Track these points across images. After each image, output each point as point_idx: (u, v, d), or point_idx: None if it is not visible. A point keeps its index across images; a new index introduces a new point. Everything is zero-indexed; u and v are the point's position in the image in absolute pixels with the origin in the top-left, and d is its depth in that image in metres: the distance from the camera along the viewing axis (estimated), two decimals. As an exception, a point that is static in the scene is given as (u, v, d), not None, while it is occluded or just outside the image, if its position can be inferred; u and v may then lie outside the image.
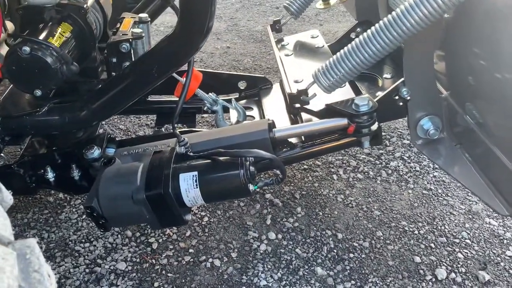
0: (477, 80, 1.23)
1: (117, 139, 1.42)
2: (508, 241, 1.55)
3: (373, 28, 1.23)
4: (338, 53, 1.30)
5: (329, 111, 1.31)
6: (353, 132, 1.25)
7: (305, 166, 1.91)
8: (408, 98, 1.36)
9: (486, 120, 1.23)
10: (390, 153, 1.97)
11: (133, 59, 1.31)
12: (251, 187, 1.13)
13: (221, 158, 1.16)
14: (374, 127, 1.26)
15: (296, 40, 1.85)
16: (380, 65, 1.61)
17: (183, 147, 1.21)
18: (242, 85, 1.76)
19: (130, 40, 1.31)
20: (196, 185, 1.12)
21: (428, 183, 1.81)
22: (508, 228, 1.60)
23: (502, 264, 1.48)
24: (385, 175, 1.86)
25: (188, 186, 1.13)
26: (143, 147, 1.32)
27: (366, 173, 1.87)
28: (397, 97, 1.38)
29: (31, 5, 1.23)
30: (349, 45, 1.28)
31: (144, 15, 1.46)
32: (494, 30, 1.13)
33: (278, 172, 1.20)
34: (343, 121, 1.25)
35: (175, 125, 1.24)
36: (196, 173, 1.13)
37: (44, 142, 1.43)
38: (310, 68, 1.46)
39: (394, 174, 1.86)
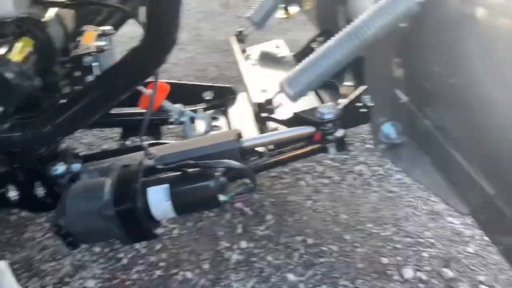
0: (433, 85, 1.28)
1: (82, 153, 1.40)
2: (469, 238, 1.63)
3: (335, 38, 1.27)
4: (303, 62, 1.33)
5: (295, 120, 1.34)
6: (319, 140, 1.28)
7: (274, 174, 1.93)
8: (370, 104, 1.41)
9: (444, 124, 1.29)
10: (354, 158, 2.02)
11: (97, 73, 1.29)
12: (222, 197, 1.14)
13: (190, 170, 1.16)
14: (339, 134, 1.30)
15: (261, 50, 1.88)
16: (340, 72, 1.66)
17: (151, 160, 1.20)
18: (208, 95, 1.77)
19: (94, 53, 1.30)
20: (167, 198, 1.12)
21: (391, 185, 1.87)
22: (468, 226, 1.67)
23: (463, 260, 1.55)
24: (350, 179, 1.91)
25: (158, 199, 1.12)
26: (110, 161, 1.31)
27: (332, 178, 1.91)
28: (359, 104, 1.43)
29: (-11, 19, 1.20)
30: (313, 54, 1.31)
31: (108, 27, 1.45)
32: (448, 36, 1.19)
33: (248, 181, 1.21)
34: (310, 129, 1.28)
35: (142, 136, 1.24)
36: (166, 186, 1.13)
37: (4, 160, 1.38)
38: (275, 77, 1.49)
39: (359, 178, 1.91)
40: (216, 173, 1.14)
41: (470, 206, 1.24)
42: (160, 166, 1.20)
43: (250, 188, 1.18)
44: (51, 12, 1.34)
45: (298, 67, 1.34)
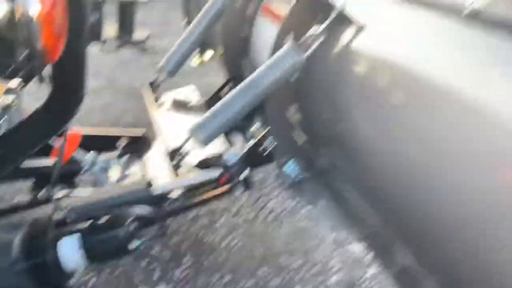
0: (323, 129, 1.46)
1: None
2: (368, 262, 1.80)
3: (238, 87, 1.40)
4: (211, 110, 1.45)
5: (205, 164, 1.44)
6: (226, 181, 1.39)
7: (191, 216, 1.99)
8: (273, 145, 1.56)
9: (335, 163, 1.46)
10: (267, 195, 2.16)
11: (5, 129, 1.30)
12: (134, 243, 1.19)
13: (101, 220, 1.20)
14: (244, 175, 1.41)
15: (173, 97, 1.98)
16: (249, 116, 1.81)
17: (62, 212, 1.22)
18: (123, 142, 1.82)
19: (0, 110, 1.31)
20: (78, 248, 1.15)
21: (300, 219, 2.02)
22: (367, 252, 1.85)
23: (365, 283, 1.70)
24: (263, 216, 2.03)
25: (69, 251, 1.15)
26: (20, 216, 1.30)
27: (246, 217, 2.02)
28: (264, 146, 1.57)
29: None
30: (220, 102, 1.43)
31: (15, 82, 1.46)
32: (331, 86, 1.37)
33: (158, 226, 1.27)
34: (218, 172, 1.39)
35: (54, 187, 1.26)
36: (76, 237, 1.16)
37: None
38: (187, 123, 1.59)
39: (271, 214, 2.04)
40: (126, 222, 1.20)
41: (362, 235, 1.40)
42: (71, 218, 1.23)
43: (161, 233, 1.24)
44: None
45: (206, 114, 1.45)
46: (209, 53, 2.36)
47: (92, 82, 1.63)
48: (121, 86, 3.21)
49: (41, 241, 1.14)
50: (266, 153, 1.57)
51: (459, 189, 0.80)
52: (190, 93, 1.98)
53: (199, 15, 1.92)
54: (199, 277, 1.70)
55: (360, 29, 1.17)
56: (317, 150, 1.54)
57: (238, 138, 1.77)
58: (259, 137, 1.57)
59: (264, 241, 1.89)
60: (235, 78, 1.99)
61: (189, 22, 2.60)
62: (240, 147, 1.48)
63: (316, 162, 1.57)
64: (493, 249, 0.73)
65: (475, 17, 0.89)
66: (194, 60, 2.26)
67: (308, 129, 1.58)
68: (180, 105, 1.92)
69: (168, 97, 1.97)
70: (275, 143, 1.56)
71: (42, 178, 1.74)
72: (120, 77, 3.36)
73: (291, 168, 1.59)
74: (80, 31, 1.07)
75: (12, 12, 0.86)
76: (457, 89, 0.83)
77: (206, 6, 1.93)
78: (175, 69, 1.99)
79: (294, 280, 1.70)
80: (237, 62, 1.95)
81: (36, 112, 1.21)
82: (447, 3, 1.00)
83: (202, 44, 2.19)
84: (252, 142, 1.58)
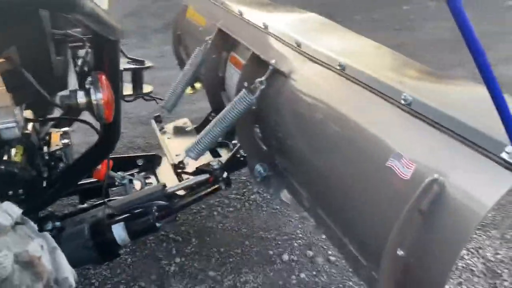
0: (275, 142, 2.18)
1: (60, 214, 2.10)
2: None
3: (215, 118, 2.12)
4: (199, 135, 2.17)
5: (198, 171, 2.17)
6: (212, 182, 2.11)
7: (194, 210, 2.72)
8: (245, 154, 2.28)
9: (285, 164, 2.18)
10: (250, 190, 2.88)
11: (67, 162, 2.03)
12: (158, 224, 1.92)
13: (136, 211, 1.94)
14: (224, 176, 2.14)
15: (173, 126, 2.71)
16: (231, 134, 2.54)
17: (110, 208, 1.95)
18: (140, 162, 2.56)
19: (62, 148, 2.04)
20: (124, 230, 1.88)
21: (275, 205, 2.74)
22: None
23: (319, 244, 2.42)
24: (247, 205, 2.75)
25: (119, 232, 1.88)
26: (79, 216, 2.04)
27: (235, 207, 2.74)
28: (239, 155, 2.30)
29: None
30: (204, 130, 2.16)
31: (66, 128, 2.20)
32: (275, 114, 2.09)
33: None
34: (207, 176, 2.11)
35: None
36: (121, 224, 1.89)
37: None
38: (183, 144, 2.32)
39: (254, 203, 2.76)
40: (152, 211, 1.93)
41: (305, 208, 2.11)
42: (117, 212, 1.96)
43: (174, 217, 1.97)
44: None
45: (196, 139, 2.18)
46: (198, 84, 3.07)
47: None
48: (131, 116, 3.96)
49: (101, 227, 1.87)
50: (241, 159, 2.30)
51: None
52: (185, 123, 2.71)
53: (187, 64, 2.65)
54: (202, 251, 2.42)
55: (286, 78, 1.86)
56: (273, 157, 2.26)
57: (224, 150, 2.51)
58: (234, 150, 2.30)
59: (248, 222, 2.61)
60: (216, 110, 2.71)
61: (179, 64, 3.36)
62: (219, 158, 2.20)
63: (275, 164, 2.29)
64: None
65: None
66: (189, 90, 2.97)
67: (266, 142, 2.30)
68: (178, 132, 2.65)
69: (169, 127, 2.70)
70: (245, 153, 2.28)
71: (85, 192, 2.47)
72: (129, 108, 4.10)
73: (259, 168, 2.32)
74: (117, 101, 1.80)
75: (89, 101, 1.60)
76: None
77: (192, 56, 2.66)
78: (172, 107, 2.73)
79: (270, 246, 2.42)
80: (217, 94, 2.68)
81: (91, 149, 1.93)
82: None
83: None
84: (230, 153, 2.31)
